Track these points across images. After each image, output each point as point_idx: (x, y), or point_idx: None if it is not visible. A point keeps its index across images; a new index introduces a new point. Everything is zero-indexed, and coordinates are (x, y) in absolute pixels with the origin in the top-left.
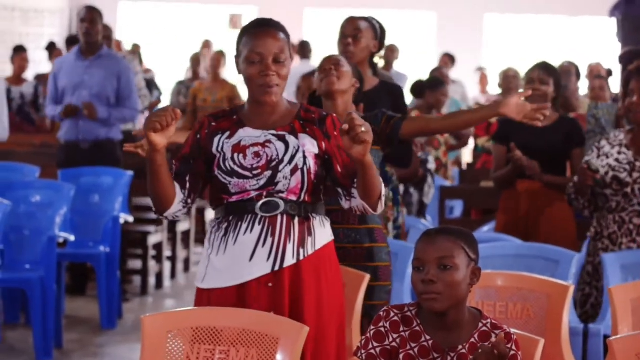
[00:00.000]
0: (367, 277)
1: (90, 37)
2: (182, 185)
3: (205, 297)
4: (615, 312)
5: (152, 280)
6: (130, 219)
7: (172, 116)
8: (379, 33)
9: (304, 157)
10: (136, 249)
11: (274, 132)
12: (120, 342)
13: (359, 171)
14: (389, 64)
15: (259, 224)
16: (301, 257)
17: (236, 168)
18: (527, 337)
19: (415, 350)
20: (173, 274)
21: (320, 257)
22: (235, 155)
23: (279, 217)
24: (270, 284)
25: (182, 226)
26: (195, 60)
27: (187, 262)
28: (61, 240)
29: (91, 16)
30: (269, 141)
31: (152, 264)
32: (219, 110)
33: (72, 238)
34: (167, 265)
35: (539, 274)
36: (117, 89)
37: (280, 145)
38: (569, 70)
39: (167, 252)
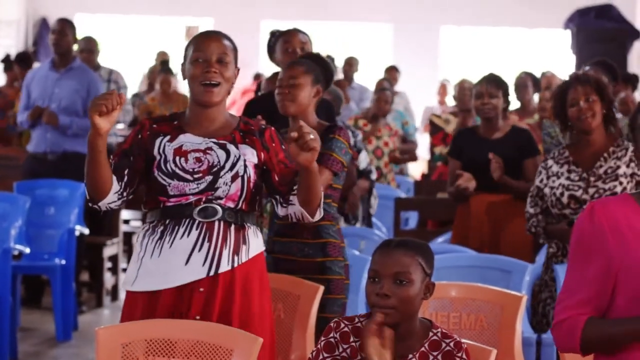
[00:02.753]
0: (321, 288)
1: (60, 48)
2: (119, 178)
3: (136, 300)
4: None
5: (107, 292)
6: (86, 231)
7: (117, 100)
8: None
9: (245, 166)
10: (91, 261)
11: (215, 140)
12: (76, 354)
13: (304, 178)
14: (348, 78)
15: (197, 229)
16: (235, 264)
17: (177, 170)
18: (480, 348)
19: None
20: None
21: (252, 266)
22: (177, 158)
23: (216, 224)
24: (201, 289)
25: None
26: (153, 73)
27: None
28: (16, 253)
29: (61, 27)
30: (210, 148)
31: (108, 276)
32: (158, 115)
33: (27, 250)
34: (122, 277)
35: (493, 284)
36: (85, 101)
37: (221, 153)
38: (525, 82)
39: (122, 264)
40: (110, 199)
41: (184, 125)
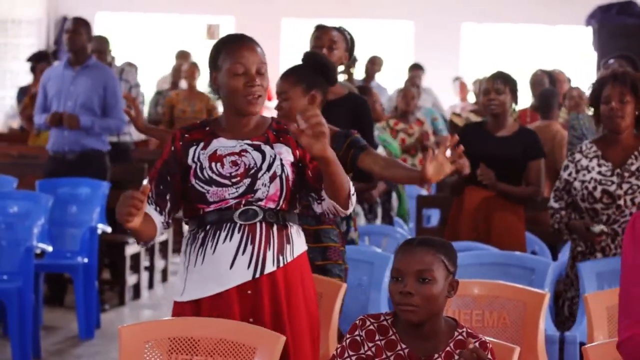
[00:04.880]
0: (344, 286)
1: (74, 46)
2: (162, 207)
3: (184, 310)
4: (591, 319)
5: (129, 290)
6: (108, 229)
7: (140, 198)
8: (350, 45)
9: (282, 165)
10: (113, 259)
11: (249, 141)
12: (98, 353)
13: (324, 168)
14: (370, 76)
15: (239, 232)
16: (281, 265)
17: (214, 176)
18: (503, 345)
19: (391, 358)
20: (151, 284)
21: (299, 265)
22: (213, 164)
23: (258, 225)
24: (249, 292)
25: (159, 237)
26: (177, 71)
27: (164, 272)
28: (39, 251)
29: (75, 27)
30: (244, 150)
31: (130, 274)
32: (189, 123)
33: (49, 249)
34: (144, 276)
35: (516, 282)
36: (103, 98)
37: (256, 155)
38: (542, 79)
39: (144, 263)
40: (157, 235)
41: (217, 131)
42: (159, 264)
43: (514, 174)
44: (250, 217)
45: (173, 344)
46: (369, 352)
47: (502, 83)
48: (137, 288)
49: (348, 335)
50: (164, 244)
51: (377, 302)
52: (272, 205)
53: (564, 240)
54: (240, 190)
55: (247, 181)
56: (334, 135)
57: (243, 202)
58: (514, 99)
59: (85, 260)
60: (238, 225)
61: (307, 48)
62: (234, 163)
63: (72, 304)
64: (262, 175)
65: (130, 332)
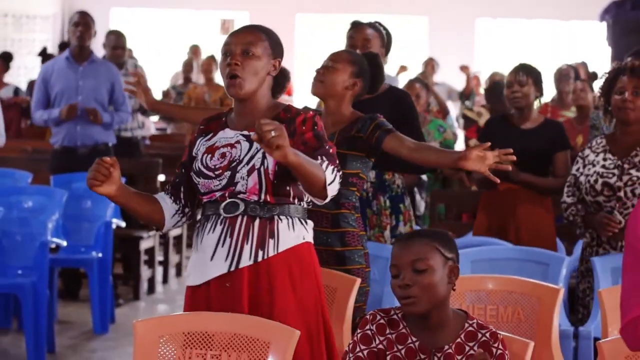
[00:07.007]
0: (358, 280)
1: (83, 41)
2: (176, 197)
3: (188, 293)
4: (605, 314)
5: (144, 285)
6: (122, 224)
7: (106, 167)
8: (386, 40)
9: (263, 157)
10: (127, 254)
11: (245, 132)
12: (113, 347)
13: (291, 170)
14: None
15: (221, 224)
16: (259, 259)
17: (202, 169)
18: (517, 340)
19: (402, 352)
20: (165, 279)
21: (285, 259)
22: (205, 156)
23: (239, 218)
24: (227, 284)
25: (173, 231)
26: (188, 65)
27: (179, 266)
28: (53, 246)
29: (85, 20)
30: (238, 142)
31: (144, 269)
32: (215, 113)
33: (64, 243)
34: (159, 270)
35: (530, 277)
36: (111, 94)
37: (245, 146)
38: (568, 73)
39: (159, 257)
40: (172, 222)
41: (228, 121)
42: (174, 258)
43: (541, 166)
44: (232, 210)
45: (187, 339)
46: (380, 346)
47: (524, 75)
48: (151, 282)
49: (359, 330)
50: (178, 239)
51: (390, 297)
52: (254, 197)
53: (580, 234)
54: (223, 182)
55: (227, 174)
56: (359, 119)
57: (227, 194)
58: (539, 90)
59: (100, 254)
60: (221, 217)
61: (321, 43)
62: (223, 155)
63: (86, 299)
64: (241, 168)
65: (144, 327)
